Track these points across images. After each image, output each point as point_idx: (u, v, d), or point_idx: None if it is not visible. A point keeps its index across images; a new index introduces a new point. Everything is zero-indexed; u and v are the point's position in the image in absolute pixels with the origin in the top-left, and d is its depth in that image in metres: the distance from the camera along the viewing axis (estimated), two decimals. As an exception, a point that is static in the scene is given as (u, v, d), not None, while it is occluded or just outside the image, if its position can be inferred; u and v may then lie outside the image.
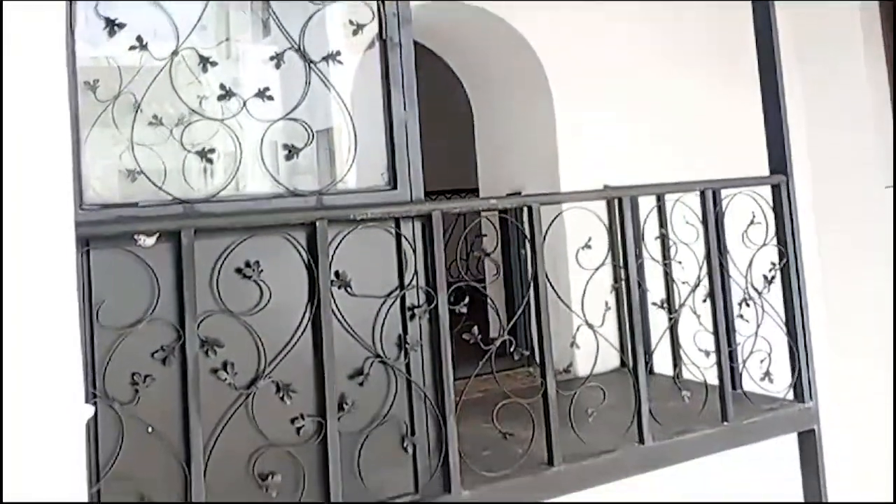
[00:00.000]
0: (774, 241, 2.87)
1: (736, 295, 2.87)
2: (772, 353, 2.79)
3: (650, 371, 2.79)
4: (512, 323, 2.46)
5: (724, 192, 2.85)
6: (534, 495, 2.30)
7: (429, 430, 2.17)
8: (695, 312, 2.72)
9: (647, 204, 2.91)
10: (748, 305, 2.82)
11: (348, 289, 2.10)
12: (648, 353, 2.80)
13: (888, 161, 4.19)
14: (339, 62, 2.23)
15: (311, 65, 2.18)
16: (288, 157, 2.16)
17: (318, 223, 2.07)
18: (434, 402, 2.18)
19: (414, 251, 2.21)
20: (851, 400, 3.96)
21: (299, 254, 2.07)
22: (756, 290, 2.82)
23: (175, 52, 2.05)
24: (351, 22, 2.27)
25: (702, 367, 2.69)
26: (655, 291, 2.91)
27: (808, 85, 4.29)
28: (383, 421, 2.11)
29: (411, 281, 2.20)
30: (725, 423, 2.64)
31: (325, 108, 2.31)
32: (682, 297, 2.76)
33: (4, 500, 1.20)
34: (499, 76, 4.08)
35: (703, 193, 2.75)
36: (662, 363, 3.06)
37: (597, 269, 2.50)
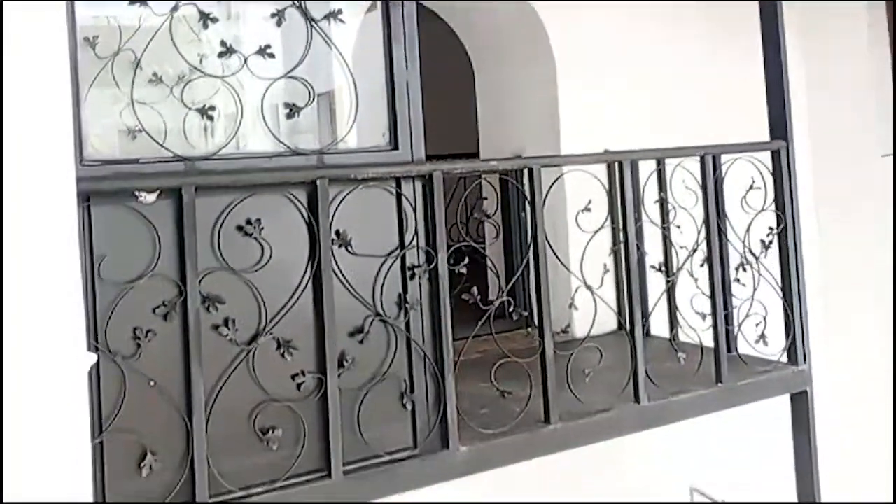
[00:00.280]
0: (773, 207, 2.85)
1: (733, 259, 2.85)
2: (767, 317, 2.78)
3: (647, 333, 2.78)
4: (511, 284, 2.45)
5: (723, 158, 2.83)
6: (530, 452, 2.31)
7: (428, 387, 2.17)
8: (692, 276, 2.71)
9: (647, 169, 2.88)
10: (745, 270, 2.81)
11: (349, 248, 2.08)
12: (646, 316, 2.79)
13: (888, 130, 4.14)
14: (341, 21, 2.18)
15: (313, 23, 2.14)
16: (289, 116, 2.12)
17: (318, 182, 2.04)
18: (433, 360, 2.17)
19: (414, 211, 2.19)
20: (845, 364, 3.96)
21: (300, 212, 2.05)
22: (753, 254, 2.81)
23: (175, 8, 2.00)
24: (353, -20, 2.22)
25: (698, 330, 2.68)
26: (654, 255, 2.89)
27: (809, 56, 4.21)
28: (383, 378, 2.11)
29: (411, 241, 2.17)
30: (720, 385, 2.64)
31: (327, 68, 2.27)
32: (680, 260, 2.75)
33: (6, 449, 1.19)
34: (501, 41, 4.01)
35: (703, 158, 2.72)
36: (659, 326, 3.05)
37: (596, 231, 2.48)
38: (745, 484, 3.74)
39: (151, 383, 1.84)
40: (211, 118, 2.03)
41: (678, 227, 2.83)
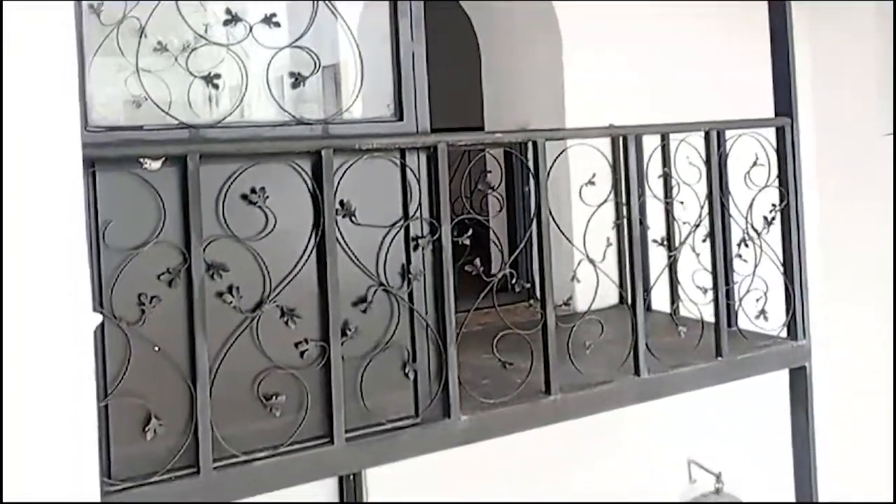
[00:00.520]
0: (776, 184, 2.82)
1: (735, 235, 2.82)
2: (768, 293, 2.76)
3: (648, 307, 2.77)
4: (514, 256, 2.42)
5: (728, 134, 2.79)
6: (530, 422, 2.30)
7: (430, 357, 2.15)
8: (694, 251, 2.69)
9: (651, 145, 2.84)
10: (747, 246, 2.78)
11: (353, 218, 2.06)
12: (647, 289, 2.77)
13: (888, 109, 4.08)
14: (347, -10, 2.14)
15: (318, -9, 2.10)
16: (294, 86, 2.08)
17: (323, 152, 2.01)
18: (435, 330, 2.15)
19: (418, 182, 2.16)
20: (844, 341, 3.94)
21: (304, 182, 2.02)
22: (756, 230, 2.78)
23: (180, -26, 1.97)
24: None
25: (699, 305, 2.66)
26: (656, 230, 2.87)
27: (815, 36, 4.15)
28: (385, 347, 2.09)
29: (415, 212, 2.15)
30: (720, 358, 2.63)
31: (332, 39, 2.23)
32: (683, 235, 2.72)
33: (10, 409, 1.18)
34: (509, 18, 3.96)
35: (707, 134, 2.68)
36: (660, 301, 3.04)
37: (599, 205, 2.45)
38: (743, 457, 3.74)
39: (156, 349, 1.83)
40: (216, 86, 2.00)
41: (681, 202, 2.81)
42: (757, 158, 2.79)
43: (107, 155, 1.81)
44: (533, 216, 2.37)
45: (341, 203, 2.04)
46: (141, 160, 1.83)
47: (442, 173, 2.16)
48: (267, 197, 1.95)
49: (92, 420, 1.32)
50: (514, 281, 2.29)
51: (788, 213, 2.80)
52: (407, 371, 2.13)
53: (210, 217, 1.90)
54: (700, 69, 3.82)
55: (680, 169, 2.75)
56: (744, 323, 2.80)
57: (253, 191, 1.95)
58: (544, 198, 2.32)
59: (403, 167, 2.15)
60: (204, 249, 1.88)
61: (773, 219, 2.81)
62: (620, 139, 2.61)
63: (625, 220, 2.56)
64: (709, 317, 2.67)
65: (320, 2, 2.09)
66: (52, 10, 1.29)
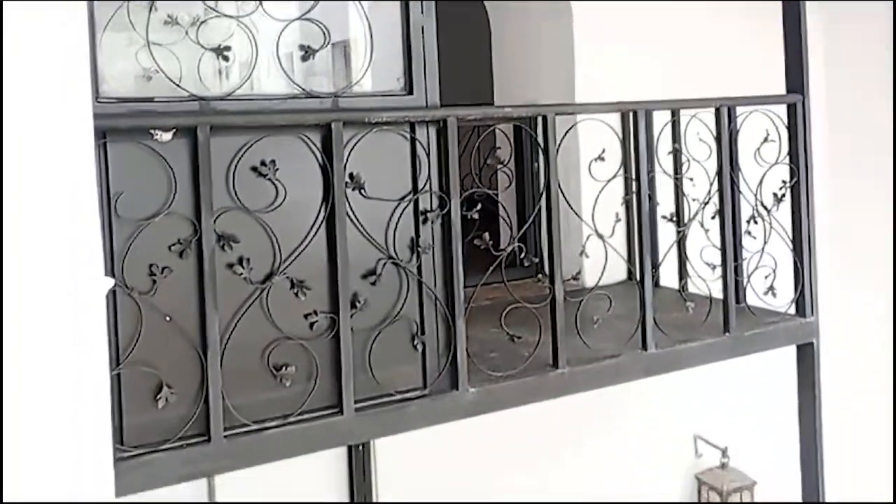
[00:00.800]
0: (786, 161, 2.77)
1: (745, 212, 2.78)
2: (776, 269, 2.72)
3: (656, 284, 2.74)
4: (523, 231, 2.40)
5: (738, 111, 2.74)
6: (538, 395, 2.29)
7: (438, 330, 2.14)
8: (703, 227, 2.65)
9: (661, 121, 2.79)
10: (756, 222, 2.74)
11: (362, 191, 2.04)
12: (655, 265, 2.74)
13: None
14: (357, -37, 2.11)
15: (328, -36, 2.06)
16: (304, 59, 2.05)
17: (333, 125, 1.99)
18: (444, 303, 2.14)
19: (428, 156, 2.14)
20: (851, 319, 3.90)
21: (314, 155, 2.00)
22: (765, 207, 2.74)
23: (189, -55, 1.94)
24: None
25: (707, 281, 2.63)
26: (665, 206, 2.83)
27: (828, 23, 4.06)
28: (395, 320, 2.08)
29: (425, 185, 2.12)
30: (727, 334, 2.60)
31: (343, 12, 2.20)
32: (692, 212, 2.68)
33: (26, 366, 1.18)
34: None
35: (718, 110, 2.64)
36: (669, 277, 3.00)
37: (609, 181, 2.42)
38: (749, 433, 3.72)
39: (167, 318, 1.82)
40: (226, 59, 1.97)
41: (691, 179, 2.77)
42: (768, 135, 2.75)
43: (118, 126, 1.79)
44: (542, 191, 2.34)
45: (351, 176, 2.02)
46: (152, 132, 1.81)
47: (451, 147, 2.13)
48: (277, 169, 1.93)
49: (105, 387, 1.32)
50: (522, 256, 2.27)
51: (798, 190, 2.76)
52: (416, 343, 2.11)
53: (220, 189, 1.88)
54: (712, 49, 3.75)
55: (690, 145, 2.71)
56: (752, 299, 2.77)
57: (263, 163, 1.93)
58: (553, 173, 2.29)
59: (413, 141, 2.12)
60: (214, 221, 1.86)
61: (783, 196, 2.76)
62: (630, 114, 2.56)
63: (634, 196, 2.53)
64: (717, 293, 2.63)
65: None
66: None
